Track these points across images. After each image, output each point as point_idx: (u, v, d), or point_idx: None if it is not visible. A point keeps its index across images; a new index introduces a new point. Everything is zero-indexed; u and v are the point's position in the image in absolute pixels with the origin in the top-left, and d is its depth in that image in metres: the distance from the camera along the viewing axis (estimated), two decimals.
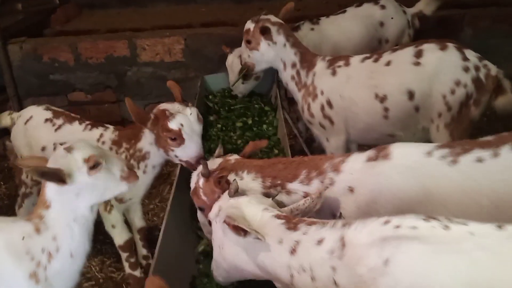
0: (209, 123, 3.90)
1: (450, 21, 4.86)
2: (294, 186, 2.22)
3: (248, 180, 2.29)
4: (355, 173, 2.08)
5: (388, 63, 3.10)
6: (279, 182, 2.25)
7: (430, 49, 3.00)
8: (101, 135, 3.07)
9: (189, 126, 2.76)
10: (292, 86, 3.46)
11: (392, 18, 4.33)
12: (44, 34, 5.81)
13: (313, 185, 2.16)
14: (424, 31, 4.51)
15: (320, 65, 3.35)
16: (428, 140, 3.23)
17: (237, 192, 2.02)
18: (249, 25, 3.48)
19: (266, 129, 3.78)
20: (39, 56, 5.16)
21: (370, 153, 2.11)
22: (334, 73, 3.27)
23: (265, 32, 3.37)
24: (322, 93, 3.30)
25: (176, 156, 2.82)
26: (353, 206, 2.03)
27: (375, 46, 4.37)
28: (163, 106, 2.89)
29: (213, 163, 2.44)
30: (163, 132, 2.75)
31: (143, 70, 5.23)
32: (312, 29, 4.34)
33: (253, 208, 1.91)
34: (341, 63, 3.29)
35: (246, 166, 2.34)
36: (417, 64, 2.99)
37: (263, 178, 2.28)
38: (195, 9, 6.23)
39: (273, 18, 3.46)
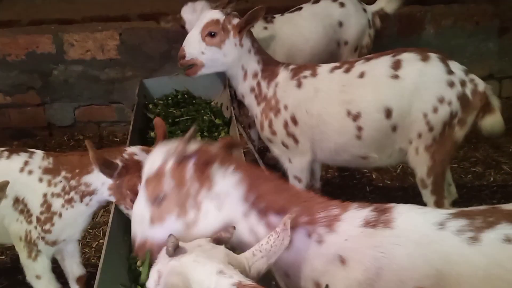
0: (149, 141, 3.36)
1: (411, 19, 4.51)
2: (276, 220, 1.64)
3: (230, 182, 1.68)
4: (350, 239, 1.56)
5: (361, 75, 2.68)
6: (262, 206, 1.67)
7: (409, 60, 2.61)
8: (26, 163, 2.42)
9: None
10: (250, 100, 2.97)
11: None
12: None
13: (297, 232, 1.61)
14: (382, 30, 4.15)
15: (283, 75, 2.89)
16: (404, 163, 2.87)
17: (178, 249, 1.45)
18: (216, 14, 2.86)
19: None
20: None
21: (368, 214, 1.59)
22: (299, 85, 2.83)
23: (242, 28, 2.84)
24: (285, 108, 2.85)
25: (129, 214, 2.26)
26: (343, 283, 1.55)
27: (333, 49, 3.96)
28: (137, 154, 2.29)
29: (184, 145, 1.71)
30: (127, 189, 2.22)
31: (72, 69, 4.59)
32: (266, 28, 3.86)
33: (203, 272, 1.39)
34: (307, 73, 2.85)
35: (235, 163, 1.73)
36: (395, 77, 2.59)
37: (247, 190, 1.68)
38: None
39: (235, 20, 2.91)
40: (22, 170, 2.39)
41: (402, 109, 2.59)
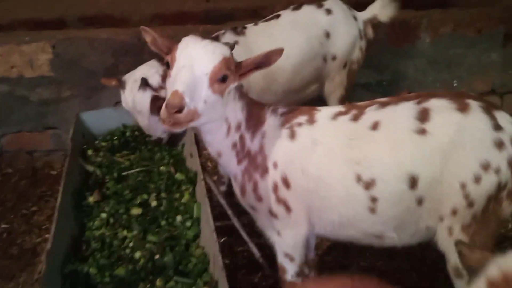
0: (86, 210, 2.55)
1: (405, 26, 3.84)
2: None
3: None
4: None
5: (375, 126, 1.97)
6: None
7: (441, 110, 1.92)
8: None
9: None
10: (228, 159, 2.18)
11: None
12: None
13: None
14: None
15: (271, 122, 2.15)
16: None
17: None
18: (226, 50, 1.95)
19: (182, 224, 2.44)
20: None
21: None
22: (292, 135, 2.09)
23: (249, 72, 2.04)
24: (275, 166, 2.10)
25: None
26: None
27: (319, 65, 3.24)
28: None
29: None
30: None
31: None
32: (236, 42, 3.08)
33: None
34: (302, 119, 2.11)
35: None
36: (422, 132, 1.89)
37: None
38: None
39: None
40: None
41: (431, 177, 1.89)
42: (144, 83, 2.70)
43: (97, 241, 2.32)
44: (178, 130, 1.92)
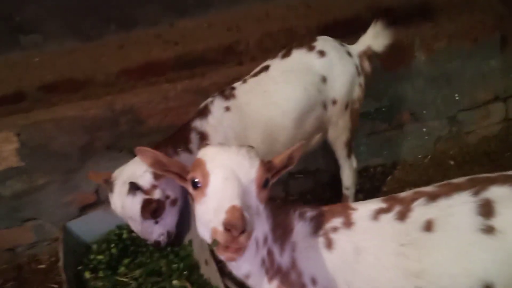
0: None
1: (398, 48, 3.54)
2: None
3: None
4: None
5: (428, 227, 1.67)
6: None
7: (506, 199, 1.62)
8: None
9: None
10: (258, 278, 1.85)
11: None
12: None
13: None
14: None
15: (301, 230, 1.84)
16: None
17: None
18: (254, 151, 1.68)
19: None
20: None
21: None
22: (329, 244, 1.78)
23: (276, 174, 1.77)
24: (314, 282, 1.79)
25: None
26: None
27: (319, 114, 2.92)
28: None
29: None
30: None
31: None
32: (227, 108, 2.75)
33: None
34: (337, 222, 1.81)
35: None
36: (490, 231, 1.60)
37: None
38: (24, 60, 4.18)
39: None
40: None
41: (509, 280, 1.60)
42: (134, 188, 2.34)
43: None
44: (237, 258, 1.57)
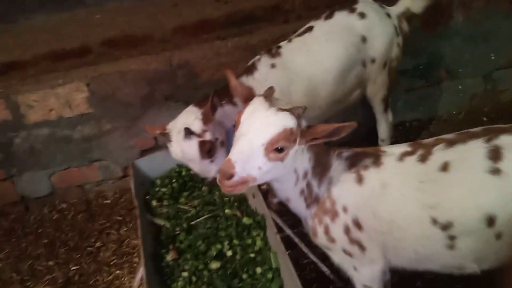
0: (167, 271, 2.57)
1: (437, 9, 3.70)
2: None
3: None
4: None
5: (445, 167, 1.96)
6: None
7: None
8: None
9: None
10: (298, 204, 2.24)
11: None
12: None
13: None
14: None
15: (338, 167, 2.16)
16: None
17: None
18: (290, 121, 1.92)
19: (264, 276, 2.44)
20: None
21: None
22: (360, 179, 2.10)
23: (315, 140, 2.00)
24: (345, 210, 2.14)
25: None
26: None
27: (358, 72, 3.18)
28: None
29: None
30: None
31: (36, 134, 3.73)
32: (273, 65, 3.04)
33: None
34: (368, 162, 2.12)
35: None
36: (496, 172, 1.88)
37: None
38: (87, 17, 4.56)
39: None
40: None
41: (509, 215, 1.90)
42: (188, 132, 2.71)
43: None
44: (233, 192, 1.96)
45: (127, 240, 3.59)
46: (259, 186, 2.77)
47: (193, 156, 2.80)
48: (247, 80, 3.00)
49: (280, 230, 2.63)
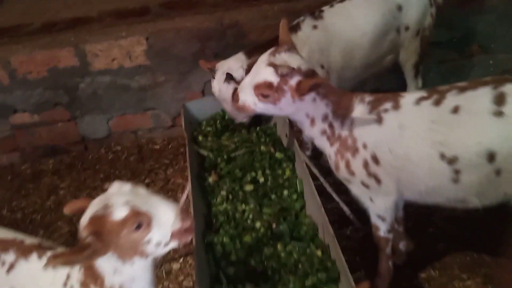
0: (209, 189, 3.03)
1: None
2: None
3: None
4: None
5: (455, 110, 2.25)
6: None
7: None
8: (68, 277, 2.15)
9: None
10: (321, 142, 2.59)
11: None
12: None
13: None
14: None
15: (360, 110, 2.49)
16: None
17: None
18: (269, 76, 2.33)
19: (289, 197, 2.90)
20: None
21: None
22: (380, 120, 2.42)
23: (303, 94, 2.37)
24: (365, 146, 2.47)
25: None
26: None
27: (393, 37, 3.47)
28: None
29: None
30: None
31: (99, 80, 4.19)
32: (315, 26, 3.37)
33: None
34: (388, 105, 2.43)
35: None
36: (499, 114, 2.17)
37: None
38: None
39: (303, 65, 2.37)
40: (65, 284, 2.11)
41: (507, 153, 2.19)
42: (229, 77, 3.11)
43: (222, 215, 2.81)
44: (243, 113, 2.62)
45: (173, 179, 4.02)
46: (291, 126, 3.15)
47: (227, 98, 3.22)
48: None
49: (309, 169, 2.98)
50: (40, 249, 2.25)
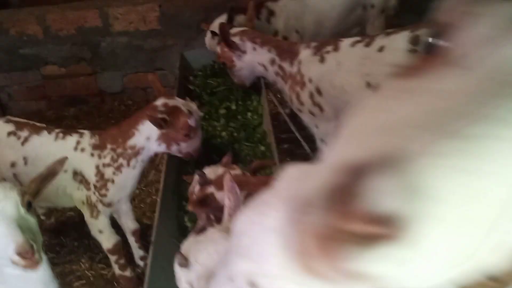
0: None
1: None
2: None
3: None
4: None
5: (381, 49, 2.90)
6: None
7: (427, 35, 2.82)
8: (78, 143, 2.91)
9: (198, 121, 2.79)
10: (279, 82, 3.30)
11: None
12: (10, 4, 5.45)
13: None
14: None
15: (305, 53, 3.16)
16: None
17: None
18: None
19: (251, 118, 3.61)
20: (5, 30, 4.86)
21: None
22: (322, 60, 3.09)
23: (227, 44, 3.22)
24: (310, 81, 3.13)
25: (180, 151, 2.81)
26: None
27: (360, 13, 4.15)
28: (170, 102, 2.80)
29: (215, 171, 2.29)
30: (181, 129, 2.69)
31: (118, 40, 4.97)
32: None
33: None
34: (329, 48, 3.09)
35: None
36: (413, 51, 2.81)
37: None
38: None
39: (233, 29, 3.32)
40: (75, 149, 2.86)
41: None
42: (213, 34, 3.82)
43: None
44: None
45: None
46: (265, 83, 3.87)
47: (214, 50, 3.93)
48: (272, 5, 4.05)
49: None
50: (49, 128, 3.00)
